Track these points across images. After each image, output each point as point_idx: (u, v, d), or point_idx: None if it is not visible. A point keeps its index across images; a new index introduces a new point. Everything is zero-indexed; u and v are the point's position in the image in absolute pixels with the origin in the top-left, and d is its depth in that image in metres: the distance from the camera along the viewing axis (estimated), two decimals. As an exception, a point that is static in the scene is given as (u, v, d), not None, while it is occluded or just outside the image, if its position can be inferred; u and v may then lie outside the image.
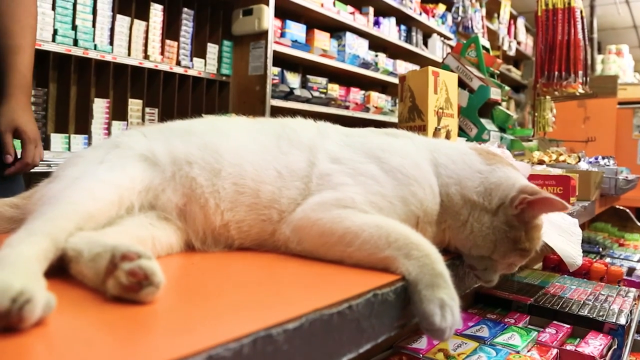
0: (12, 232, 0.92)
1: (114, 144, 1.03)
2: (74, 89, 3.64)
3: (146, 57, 3.90)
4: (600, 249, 3.12)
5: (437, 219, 1.03)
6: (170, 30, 4.14)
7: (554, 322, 1.72)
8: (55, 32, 3.33)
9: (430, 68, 2.02)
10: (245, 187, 0.99)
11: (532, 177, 2.10)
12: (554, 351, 1.54)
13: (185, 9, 4.22)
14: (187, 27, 4.24)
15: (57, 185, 0.91)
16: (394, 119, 4.32)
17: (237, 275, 0.88)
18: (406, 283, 0.81)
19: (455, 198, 1.03)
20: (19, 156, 1.70)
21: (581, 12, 3.93)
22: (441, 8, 7.13)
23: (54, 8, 3.35)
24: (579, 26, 3.85)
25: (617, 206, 4.04)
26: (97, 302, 0.67)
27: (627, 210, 4.06)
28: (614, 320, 1.71)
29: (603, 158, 3.36)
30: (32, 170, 2.82)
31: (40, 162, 2.96)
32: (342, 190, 0.97)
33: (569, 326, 1.69)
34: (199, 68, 4.27)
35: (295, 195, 0.99)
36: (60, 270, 0.75)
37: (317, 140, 1.08)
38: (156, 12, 3.99)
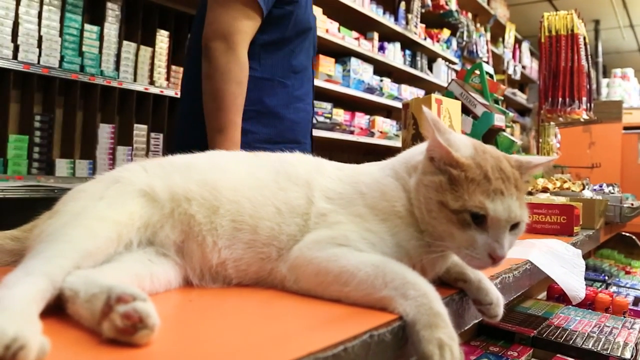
0: (12, 265, 0.93)
1: (115, 179, 1.03)
2: (80, 114, 3.68)
3: (152, 82, 3.94)
4: (606, 277, 3.09)
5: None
6: (176, 56, 4.18)
7: (558, 355, 1.70)
8: (62, 58, 3.37)
9: (434, 96, 2.02)
10: (243, 223, 0.99)
11: (535, 206, 2.09)
12: (558, 385, 1.52)
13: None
14: (193, 53, 4.27)
15: (56, 222, 0.91)
16: (399, 143, 4.37)
17: (233, 314, 0.88)
18: (403, 323, 0.80)
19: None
20: None
21: (584, 38, 3.95)
22: (446, 33, 7.18)
23: (61, 35, 3.39)
24: (582, 53, 3.86)
25: (624, 233, 4.02)
26: (93, 344, 0.67)
27: (634, 237, 4.03)
28: (618, 354, 1.69)
29: (608, 185, 3.35)
30: (36, 196, 2.85)
31: (44, 188, 2.99)
32: (336, 229, 0.97)
33: None
34: (204, 93, 4.29)
35: (295, 232, 0.99)
36: (57, 308, 0.75)
37: (314, 176, 1.08)
38: (162, 38, 4.04)
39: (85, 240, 0.85)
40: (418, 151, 1.05)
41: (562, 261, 1.61)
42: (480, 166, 0.95)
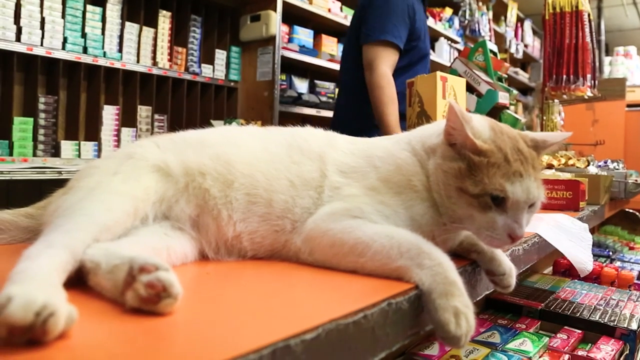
0: (28, 242, 0.93)
1: (128, 155, 1.03)
2: (84, 96, 3.67)
3: (155, 63, 3.93)
4: (610, 253, 3.10)
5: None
6: (179, 37, 4.16)
7: (565, 327, 1.71)
8: (65, 40, 3.36)
9: (439, 73, 2.02)
10: (258, 196, 1.00)
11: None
12: (566, 357, 1.53)
13: (193, 16, 4.24)
14: (195, 34, 4.26)
15: (72, 197, 0.92)
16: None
17: (252, 285, 0.89)
18: (419, 291, 0.82)
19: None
20: None
21: (589, 15, 3.91)
22: (448, 12, 7.12)
23: (63, 16, 3.38)
24: (587, 29, 3.83)
25: (627, 209, 4.02)
26: (117, 313, 0.68)
27: (637, 214, 4.04)
28: (625, 325, 1.70)
29: (612, 162, 3.34)
30: (42, 178, 2.86)
31: (51, 169, 3.00)
32: (350, 201, 0.98)
33: (580, 331, 1.69)
34: (207, 74, 4.29)
35: (309, 205, 1.00)
36: (78, 281, 0.76)
37: (327, 150, 1.09)
38: (164, 19, 4.02)
39: (102, 214, 0.86)
40: (435, 132, 1.06)
41: (569, 235, 1.62)
42: (501, 149, 0.96)
